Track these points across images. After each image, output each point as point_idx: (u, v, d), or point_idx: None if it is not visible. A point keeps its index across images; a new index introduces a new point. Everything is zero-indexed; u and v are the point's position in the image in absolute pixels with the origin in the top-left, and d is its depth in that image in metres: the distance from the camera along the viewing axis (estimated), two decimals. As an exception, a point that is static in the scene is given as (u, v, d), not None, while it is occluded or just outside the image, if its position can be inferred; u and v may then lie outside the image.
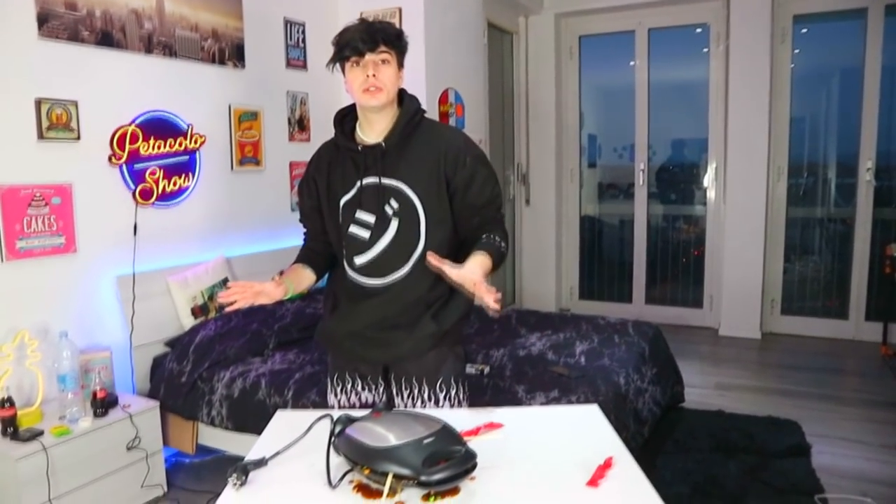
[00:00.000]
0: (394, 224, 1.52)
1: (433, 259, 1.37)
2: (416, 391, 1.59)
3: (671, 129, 5.28)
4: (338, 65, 1.53)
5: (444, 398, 1.60)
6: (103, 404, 2.42)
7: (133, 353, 2.83)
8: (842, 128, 4.73)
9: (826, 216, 4.84)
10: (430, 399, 1.59)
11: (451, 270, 1.36)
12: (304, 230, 1.75)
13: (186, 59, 3.08)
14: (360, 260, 1.55)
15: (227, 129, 3.32)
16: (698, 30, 4.95)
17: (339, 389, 1.68)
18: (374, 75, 1.46)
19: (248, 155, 3.43)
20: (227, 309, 1.56)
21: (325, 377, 2.64)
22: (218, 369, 2.73)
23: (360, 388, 1.66)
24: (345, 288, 1.62)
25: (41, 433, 2.22)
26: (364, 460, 1.04)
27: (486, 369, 2.65)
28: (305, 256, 1.69)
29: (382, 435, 1.05)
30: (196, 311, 3.00)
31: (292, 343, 3.02)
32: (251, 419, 2.56)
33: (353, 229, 1.55)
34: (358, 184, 1.54)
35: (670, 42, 5.10)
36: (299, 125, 3.75)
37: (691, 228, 5.24)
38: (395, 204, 1.52)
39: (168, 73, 3.00)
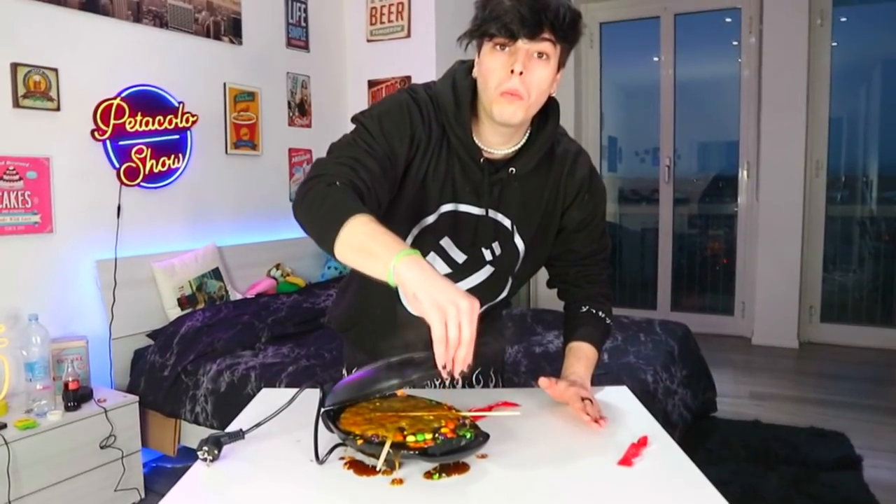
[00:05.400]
0: (486, 271, 1.18)
1: (546, 387, 1.10)
2: (447, 384, 1.31)
3: (699, 126, 5.01)
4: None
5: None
6: (76, 397, 2.24)
7: (112, 344, 2.63)
8: (884, 121, 4.44)
9: (869, 215, 4.52)
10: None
11: (557, 394, 1.10)
12: (351, 156, 1.02)
13: (178, 31, 2.91)
14: None
15: (222, 109, 3.14)
16: (728, 18, 4.68)
17: None
18: (521, 73, 0.99)
19: (243, 138, 3.24)
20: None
21: (321, 371, 2.45)
22: (204, 362, 2.52)
23: None
24: (380, 306, 1.22)
25: (4, 426, 2.04)
26: (357, 391, 0.93)
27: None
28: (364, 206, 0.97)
29: (374, 369, 0.95)
30: (183, 302, 2.79)
31: (287, 337, 2.80)
32: (238, 415, 2.32)
33: (431, 258, 1.15)
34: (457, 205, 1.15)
35: (698, 32, 4.83)
36: (300, 109, 3.56)
37: (720, 232, 4.94)
38: (497, 249, 1.17)
39: (158, 44, 2.83)
